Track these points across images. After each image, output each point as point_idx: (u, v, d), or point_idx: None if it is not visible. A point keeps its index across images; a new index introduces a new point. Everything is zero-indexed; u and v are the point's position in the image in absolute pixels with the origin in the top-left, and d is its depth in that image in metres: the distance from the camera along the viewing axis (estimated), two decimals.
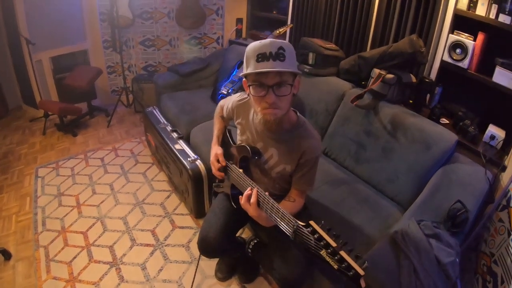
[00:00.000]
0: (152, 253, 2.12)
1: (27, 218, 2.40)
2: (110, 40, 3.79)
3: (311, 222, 1.01)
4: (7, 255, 2.08)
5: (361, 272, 0.87)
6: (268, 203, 1.22)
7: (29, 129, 3.60)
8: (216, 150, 1.62)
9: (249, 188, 1.32)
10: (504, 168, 1.75)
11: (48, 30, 3.45)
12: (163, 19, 3.85)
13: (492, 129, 1.92)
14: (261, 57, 1.18)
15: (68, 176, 2.84)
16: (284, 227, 1.14)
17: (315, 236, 0.98)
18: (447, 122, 2.13)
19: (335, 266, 0.92)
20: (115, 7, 3.43)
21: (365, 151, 2.10)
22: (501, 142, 1.87)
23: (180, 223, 2.35)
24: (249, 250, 1.86)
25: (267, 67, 1.17)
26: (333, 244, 0.94)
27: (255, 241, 1.87)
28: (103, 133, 3.56)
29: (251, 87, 1.25)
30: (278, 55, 1.18)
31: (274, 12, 3.69)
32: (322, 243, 0.95)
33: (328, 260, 0.94)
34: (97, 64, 3.84)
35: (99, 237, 2.23)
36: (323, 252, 0.95)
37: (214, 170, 1.61)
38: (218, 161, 1.58)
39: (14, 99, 3.97)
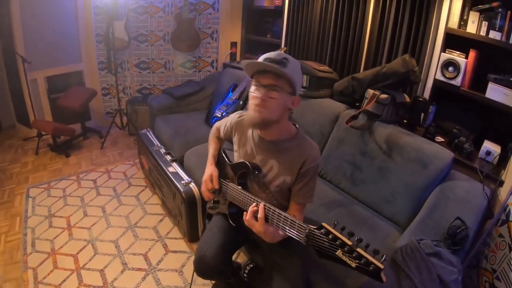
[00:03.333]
0: (144, 277, 2.04)
1: (17, 239, 2.34)
2: (105, 62, 3.82)
3: (324, 224, 1.03)
4: None
5: (381, 266, 0.88)
6: (274, 214, 1.22)
7: (22, 148, 3.57)
8: (212, 170, 1.59)
9: (254, 204, 1.29)
10: (501, 183, 1.74)
11: (45, 49, 3.48)
12: (159, 42, 3.91)
13: (487, 145, 1.92)
14: (267, 60, 1.28)
15: (60, 197, 2.79)
16: (294, 234, 1.14)
17: (329, 236, 0.99)
18: (442, 140, 2.14)
19: (353, 264, 0.93)
20: (111, 28, 3.47)
21: (361, 172, 2.09)
22: (497, 157, 1.87)
23: (173, 247, 2.29)
24: (245, 275, 1.81)
25: (267, 67, 1.27)
26: (349, 242, 0.95)
27: (251, 265, 1.81)
28: (96, 154, 3.52)
29: (252, 87, 1.33)
30: (281, 62, 1.28)
31: (268, 36, 3.76)
32: (337, 242, 0.97)
33: (345, 259, 0.94)
34: (92, 86, 3.85)
35: (90, 260, 2.16)
36: (339, 252, 0.96)
37: (204, 189, 1.58)
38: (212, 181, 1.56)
39: (8, 117, 3.95)
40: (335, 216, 1.91)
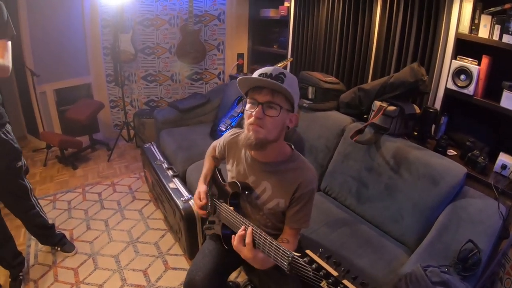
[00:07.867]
0: None
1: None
2: (113, 75, 3.83)
3: (308, 251, 0.93)
4: None
5: None
6: (261, 238, 1.13)
7: (31, 159, 3.61)
8: (200, 188, 1.55)
9: (242, 228, 1.20)
10: None
11: (53, 63, 3.53)
12: (165, 54, 3.91)
13: (503, 158, 1.79)
14: (262, 75, 1.21)
15: (64, 210, 2.79)
16: (278, 261, 1.04)
17: (313, 266, 0.89)
18: (455, 153, 2.01)
19: None
20: (117, 41, 3.49)
21: (367, 189, 1.99)
22: None
23: (173, 264, 2.23)
24: None
25: (262, 82, 1.19)
26: (334, 273, 0.86)
27: (249, 286, 1.73)
28: (103, 167, 3.53)
29: (247, 104, 1.25)
30: (277, 77, 1.20)
31: (275, 46, 3.70)
32: (321, 273, 0.87)
33: None
34: (100, 98, 3.87)
35: (90, 274, 2.14)
36: (323, 284, 0.87)
37: (196, 208, 1.55)
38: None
39: (19, 129, 3.99)
40: (338, 236, 1.81)
